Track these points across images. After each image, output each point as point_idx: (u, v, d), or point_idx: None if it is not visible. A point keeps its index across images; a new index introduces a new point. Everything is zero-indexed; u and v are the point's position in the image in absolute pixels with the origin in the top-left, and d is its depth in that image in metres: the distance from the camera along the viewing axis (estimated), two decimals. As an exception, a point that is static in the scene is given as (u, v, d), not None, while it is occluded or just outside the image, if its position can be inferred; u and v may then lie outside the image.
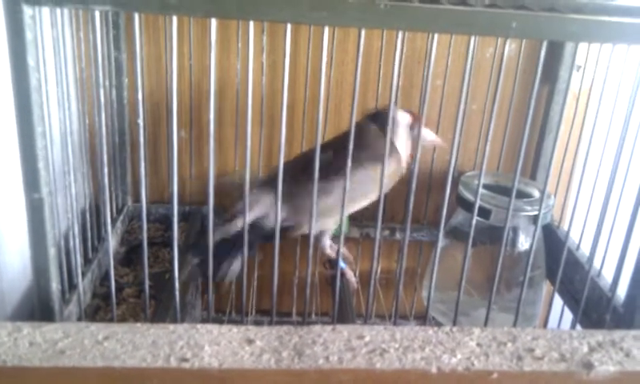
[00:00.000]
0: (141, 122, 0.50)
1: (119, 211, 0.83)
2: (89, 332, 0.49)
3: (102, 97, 0.50)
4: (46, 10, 0.50)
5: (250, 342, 0.49)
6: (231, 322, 0.95)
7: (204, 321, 0.95)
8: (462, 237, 0.84)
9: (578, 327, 0.69)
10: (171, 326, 0.50)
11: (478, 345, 0.50)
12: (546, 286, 0.84)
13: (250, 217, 0.66)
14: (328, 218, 0.69)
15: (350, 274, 0.74)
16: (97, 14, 0.44)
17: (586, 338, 0.52)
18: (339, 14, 0.43)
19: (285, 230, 0.69)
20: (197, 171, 0.89)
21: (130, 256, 0.79)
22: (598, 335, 0.52)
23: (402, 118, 0.69)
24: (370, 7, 0.43)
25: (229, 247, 0.65)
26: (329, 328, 0.51)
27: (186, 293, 0.77)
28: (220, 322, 0.94)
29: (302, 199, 0.65)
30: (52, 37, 0.55)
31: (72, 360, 0.46)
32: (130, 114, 0.84)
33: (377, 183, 0.68)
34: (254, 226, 0.66)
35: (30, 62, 0.45)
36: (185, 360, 0.46)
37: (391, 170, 0.69)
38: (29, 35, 0.45)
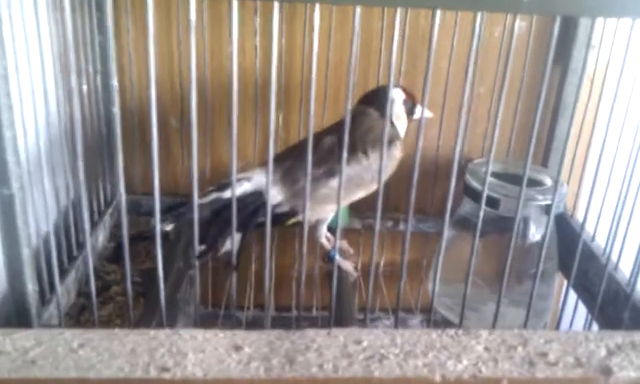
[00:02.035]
0: (117, 110, 0.46)
1: (108, 204, 0.79)
2: (62, 339, 0.45)
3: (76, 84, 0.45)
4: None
5: (238, 348, 0.45)
6: (228, 317, 0.92)
7: (200, 317, 0.92)
8: (470, 227, 0.80)
9: (594, 326, 0.65)
10: (152, 332, 0.47)
11: (486, 349, 0.46)
12: (558, 279, 0.80)
13: (239, 191, 0.63)
14: (327, 206, 0.65)
15: (346, 265, 0.70)
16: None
17: (603, 340, 0.48)
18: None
19: (283, 216, 0.65)
20: (188, 161, 0.85)
21: (118, 252, 0.75)
22: (617, 337, 0.48)
23: (398, 97, 0.67)
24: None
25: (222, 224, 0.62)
26: (323, 332, 0.47)
27: (178, 289, 0.73)
28: (216, 316, 0.92)
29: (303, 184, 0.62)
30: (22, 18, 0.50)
31: (43, 371, 0.42)
32: (119, 101, 0.80)
33: (384, 168, 0.65)
34: (251, 205, 0.63)
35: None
36: (166, 370, 0.43)
37: (398, 157, 0.66)
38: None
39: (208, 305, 0.93)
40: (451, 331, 0.48)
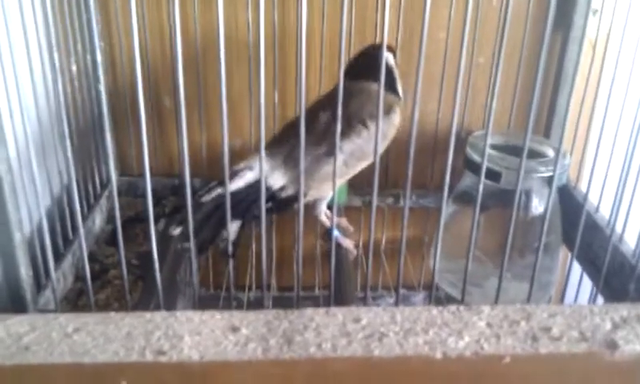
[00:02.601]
0: (102, 87, 0.44)
1: (104, 185, 0.78)
2: (57, 324, 0.44)
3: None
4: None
5: (235, 329, 0.45)
6: (229, 299, 0.91)
7: (201, 299, 0.91)
8: (471, 201, 0.78)
9: (599, 299, 0.64)
10: (148, 315, 0.46)
11: (488, 325, 0.45)
12: (562, 251, 0.79)
13: (241, 183, 0.62)
14: (328, 183, 0.64)
15: (347, 243, 0.69)
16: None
17: (608, 313, 0.47)
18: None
19: (289, 200, 0.64)
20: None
21: (115, 234, 0.74)
22: (622, 309, 0.47)
23: (391, 59, 0.66)
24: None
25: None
26: (322, 311, 0.47)
27: (177, 271, 0.72)
28: (217, 298, 0.91)
29: (313, 168, 0.62)
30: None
31: (37, 357, 0.41)
32: (109, 81, 0.78)
33: (385, 138, 0.64)
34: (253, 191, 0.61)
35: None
36: (162, 353, 0.42)
37: (397, 123, 0.64)
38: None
39: (210, 287, 0.92)
40: (452, 307, 0.47)
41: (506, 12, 0.43)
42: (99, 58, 0.45)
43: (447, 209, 0.82)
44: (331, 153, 0.61)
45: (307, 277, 0.93)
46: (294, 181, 0.62)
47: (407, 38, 0.78)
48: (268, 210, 0.65)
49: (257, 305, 0.91)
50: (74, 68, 0.67)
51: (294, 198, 0.64)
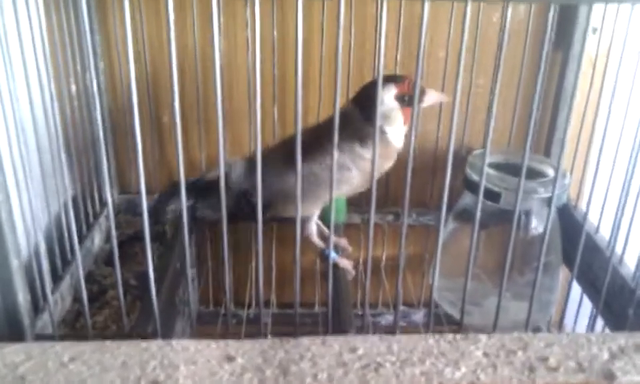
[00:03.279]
0: (98, 115, 0.44)
1: (103, 204, 0.78)
2: (53, 353, 0.44)
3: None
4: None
5: (230, 359, 0.45)
6: (229, 316, 0.91)
7: (200, 316, 0.91)
8: (471, 220, 0.78)
9: (599, 320, 0.63)
10: (144, 343, 0.46)
11: (485, 355, 0.45)
12: (562, 271, 0.78)
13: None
14: (307, 204, 0.64)
15: (344, 263, 0.69)
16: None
17: (606, 342, 0.46)
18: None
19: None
20: (186, 155, 0.84)
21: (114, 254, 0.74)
22: (620, 339, 0.47)
23: (388, 94, 0.62)
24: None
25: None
26: (318, 340, 0.46)
27: (176, 291, 0.72)
28: (217, 316, 0.91)
29: (275, 183, 0.63)
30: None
31: (33, 387, 0.41)
32: (110, 99, 0.78)
33: (358, 171, 0.63)
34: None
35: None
36: (157, 383, 0.42)
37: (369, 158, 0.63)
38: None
39: (209, 304, 0.92)
40: (449, 336, 0.47)
41: (504, 32, 0.43)
42: (96, 89, 0.45)
43: (446, 227, 0.82)
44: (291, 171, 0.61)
45: (307, 294, 0.92)
46: (267, 197, 0.62)
47: (407, 55, 0.78)
48: (245, 215, 0.66)
49: (256, 322, 0.91)
50: (74, 87, 0.67)
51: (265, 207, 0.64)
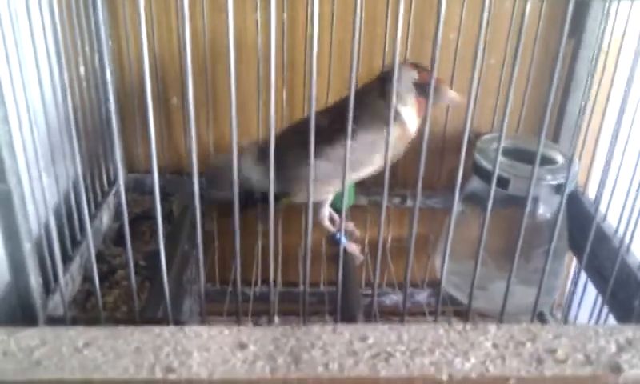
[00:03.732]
0: (112, 106, 0.44)
1: (112, 183, 0.78)
2: (67, 338, 0.45)
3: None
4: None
5: (243, 346, 0.45)
6: (235, 294, 0.92)
7: (207, 295, 0.92)
8: (478, 203, 0.78)
9: (605, 311, 0.64)
10: (157, 329, 0.46)
11: (494, 346, 0.46)
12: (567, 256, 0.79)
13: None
14: (323, 187, 0.64)
15: (352, 248, 0.69)
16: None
17: (613, 334, 0.47)
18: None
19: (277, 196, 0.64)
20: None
21: (122, 233, 0.74)
22: (628, 331, 0.47)
23: (407, 77, 0.62)
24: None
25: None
26: (329, 329, 0.47)
27: (184, 270, 0.73)
28: (223, 293, 0.92)
29: (293, 166, 0.62)
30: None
31: (48, 372, 0.42)
32: (117, 79, 0.78)
33: (377, 151, 0.63)
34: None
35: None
36: (171, 370, 0.43)
37: (394, 137, 0.63)
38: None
39: (216, 282, 0.93)
40: (459, 326, 0.47)
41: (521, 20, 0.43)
42: (108, 75, 0.44)
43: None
44: (319, 156, 0.61)
45: (313, 273, 0.93)
46: (282, 182, 0.62)
47: (418, 39, 0.78)
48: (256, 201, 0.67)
49: (262, 299, 0.92)
50: (82, 69, 0.67)
51: (281, 195, 0.64)
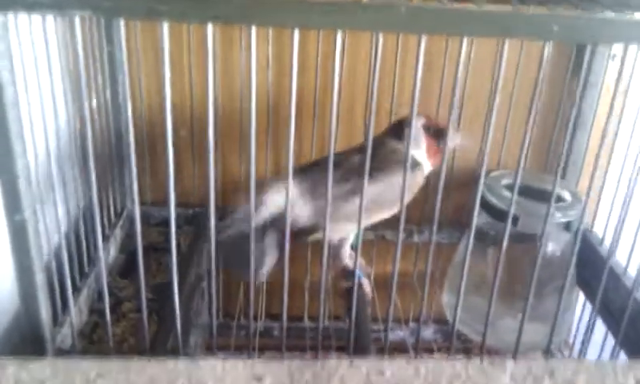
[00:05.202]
0: (131, 137, 0.44)
1: (118, 215, 0.78)
2: (80, 370, 0.44)
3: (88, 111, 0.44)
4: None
5: (258, 379, 0.44)
6: (240, 327, 0.91)
7: (210, 328, 0.91)
8: (484, 239, 0.79)
9: (613, 346, 0.64)
10: (170, 363, 0.45)
11: (513, 380, 0.45)
12: (576, 293, 0.79)
13: (270, 209, 0.63)
14: (349, 224, 0.64)
15: (366, 284, 0.69)
16: (77, 20, 0.38)
17: (632, 370, 0.46)
18: (354, 18, 0.37)
19: (306, 231, 0.65)
20: (200, 171, 0.84)
21: (129, 265, 0.74)
22: (645, 368, 0.47)
23: (416, 121, 0.65)
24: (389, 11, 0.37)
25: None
26: (345, 363, 0.46)
27: (191, 303, 0.72)
28: (228, 327, 0.91)
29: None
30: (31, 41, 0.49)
31: (60, 404, 0.41)
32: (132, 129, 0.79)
33: (399, 195, 0.63)
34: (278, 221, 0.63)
35: (4, 74, 0.40)
36: (186, 403, 0.42)
37: (415, 182, 0.64)
38: (0, 46, 0.39)
39: (219, 315, 0.92)
40: (476, 362, 0.47)
41: (539, 69, 0.44)
42: (129, 111, 0.45)
43: (459, 245, 0.82)
44: (352, 192, 0.62)
45: (317, 307, 0.92)
46: (313, 214, 0.63)
47: (422, 88, 0.79)
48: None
49: (266, 334, 0.91)
50: (95, 101, 0.67)
51: (310, 230, 0.64)
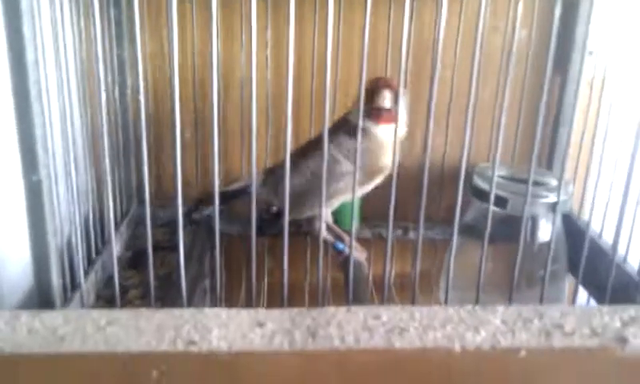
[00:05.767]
0: (142, 98, 0.48)
1: (124, 215, 0.81)
2: (90, 318, 0.46)
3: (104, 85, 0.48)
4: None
5: (261, 324, 0.46)
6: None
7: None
8: (477, 233, 0.81)
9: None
10: (177, 311, 0.48)
11: (503, 322, 0.47)
12: (568, 282, 0.81)
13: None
14: (315, 202, 0.69)
15: (357, 254, 0.72)
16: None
17: (617, 312, 0.49)
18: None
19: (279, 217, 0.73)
20: (202, 171, 0.88)
21: (135, 259, 0.77)
22: (630, 310, 0.49)
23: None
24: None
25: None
26: (343, 309, 0.49)
27: (192, 297, 0.74)
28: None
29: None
30: (50, 19, 0.53)
31: (73, 346, 0.43)
32: (134, 112, 0.82)
33: (350, 164, 0.67)
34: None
35: (26, 33, 0.44)
36: (192, 343, 0.44)
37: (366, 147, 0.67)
38: (24, 5, 0.43)
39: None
40: (468, 307, 0.49)
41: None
42: (142, 98, 0.48)
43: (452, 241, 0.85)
44: (298, 170, 0.68)
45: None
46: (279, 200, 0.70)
47: (415, 77, 0.83)
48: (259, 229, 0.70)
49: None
50: (104, 96, 0.71)
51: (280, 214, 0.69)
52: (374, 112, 0.66)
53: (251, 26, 0.46)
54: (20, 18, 0.44)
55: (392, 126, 0.67)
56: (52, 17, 0.55)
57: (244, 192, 0.71)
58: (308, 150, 0.69)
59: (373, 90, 0.66)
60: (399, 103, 0.65)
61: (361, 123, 0.64)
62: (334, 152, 0.67)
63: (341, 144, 0.67)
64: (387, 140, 0.68)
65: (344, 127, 0.68)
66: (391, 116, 0.66)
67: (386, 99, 0.65)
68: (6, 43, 0.46)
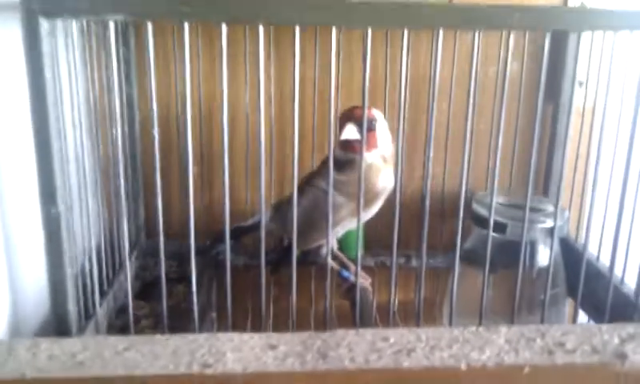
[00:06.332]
0: (156, 132, 0.50)
1: (133, 247, 0.83)
2: (108, 344, 0.48)
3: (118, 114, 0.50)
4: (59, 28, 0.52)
5: (273, 347, 0.48)
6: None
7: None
8: (478, 260, 0.83)
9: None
10: (191, 336, 0.49)
11: (507, 341, 0.49)
12: (568, 307, 0.82)
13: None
14: (317, 233, 0.72)
15: (360, 281, 0.74)
16: (111, 25, 0.45)
17: (616, 330, 0.51)
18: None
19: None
20: (208, 205, 0.90)
21: (145, 291, 0.78)
22: (629, 327, 0.51)
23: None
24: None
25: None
26: (352, 332, 0.50)
27: (202, 323, 0.75)
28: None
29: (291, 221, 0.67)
30: (66, 59, 0.56)
31: (93, 370, 0.45)
32: (142, 148, 0.85)
33: (341, 196, 0.70)
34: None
35: (47, 74, 0.46)
36: (207, 366, 0.45)
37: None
38: (45, 48, 0.46)
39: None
40: (472, 328, 0.51)
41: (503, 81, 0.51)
42: (156, 132, 0.51)
43: (453, 270, 0.86)
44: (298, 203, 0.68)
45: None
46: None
47: (413, 112, 0.86)
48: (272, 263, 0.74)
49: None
50: (115, 131, 0.74)
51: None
52: (345, 144, 0.71)
53: (259, 65, 0.49)
54: (41, 60, 0.47)
55: (373, 151, 0.71)
56: (67, 58, 0.58)
57: (257, 227, 0.75)
58: (302, 188, 0.73)
59: (340, 125, 0.70)
60: (376, 127, 0.71)
61: (344, 156, 0.69)
62: (326, 187, 0.69)
63: (328, 177, 0.69)
64: (375, 163, 0.71)
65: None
66: (368, 142, 0.70)
67: (350, 132, 0.69)
68: (29, 84, 0.48)
